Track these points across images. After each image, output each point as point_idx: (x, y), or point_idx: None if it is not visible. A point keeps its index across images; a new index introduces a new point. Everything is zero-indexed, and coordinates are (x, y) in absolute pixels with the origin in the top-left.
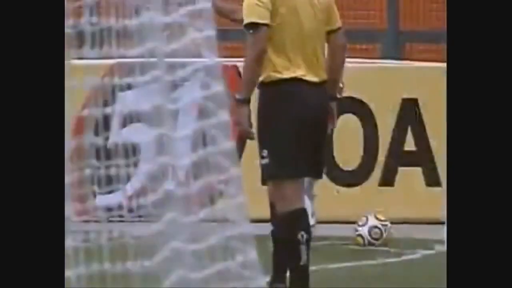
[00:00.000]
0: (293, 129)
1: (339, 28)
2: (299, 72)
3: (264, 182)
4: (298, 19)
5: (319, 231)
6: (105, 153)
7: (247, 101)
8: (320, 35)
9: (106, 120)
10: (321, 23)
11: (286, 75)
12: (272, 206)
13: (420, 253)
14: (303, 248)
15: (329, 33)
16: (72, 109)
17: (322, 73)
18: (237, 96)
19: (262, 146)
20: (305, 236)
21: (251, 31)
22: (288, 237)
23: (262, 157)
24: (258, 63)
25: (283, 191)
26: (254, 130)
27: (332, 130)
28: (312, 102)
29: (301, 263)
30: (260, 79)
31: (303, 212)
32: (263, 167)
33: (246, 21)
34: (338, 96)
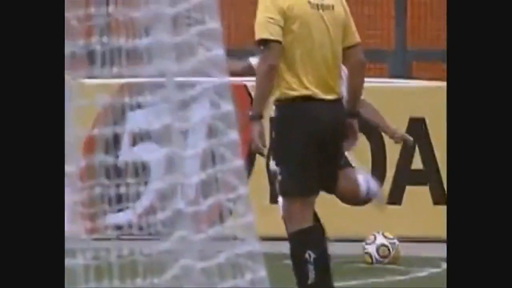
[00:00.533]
0: (304, 147)
1: (356, 44)
2: (312, 90)
3: (273, 200)
4: (310, 36)
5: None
6: (115, 172)
7: (259, 117)
8: (334, 52)
9: (117, 139)
10: (336, 39)
11: (299, 92)
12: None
13: (427, 271)
14: (310, 267)
15: (347, 49)
16: (83, 128)
17: (336, 91)
18: (250, 113)
19: (276, 163)
20: (312, 255)
21: (262, 48)
22: (296, 256)
23: (278, 174)
24: (269, 78)
25: (292, 210)
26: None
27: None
28: (324, 120)
29: (309, 282)
30: (276, 96)
31: (310, 231)
32: (277, 184)
33: (257, 37)
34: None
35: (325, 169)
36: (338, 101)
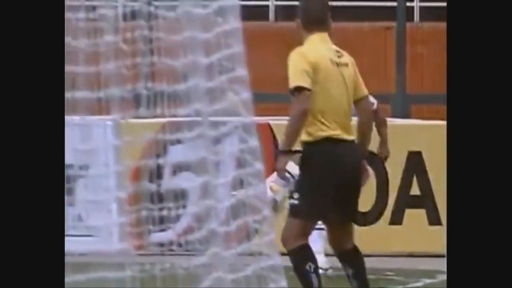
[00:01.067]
0: (323, 181)
1: (365, 96)
2: (335, 131)
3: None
4: (332, 87)
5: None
6: (158, 197)
7: (287, 152)
8: (349, 101)
9: (159, 169)
10: (350, 90)
11: (325, 133)
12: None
13: (423, 281)
14: (313, 276)
15: (358, 100)
16: (131, 160)
17: (352, 132)
18: (280, 147)
19: (296, 190)
20: (312, 266)
21: (296, 93)
22: (298, 268)
23: (293, 198)
24: (301, 120)
25: (296, 228)
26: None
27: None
28: (345, 158)
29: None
30: (304, 138)
31: (307, 246)
32: (291, 206)
33: (293, 84)
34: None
35: (345, 201)
36: (354, 142)
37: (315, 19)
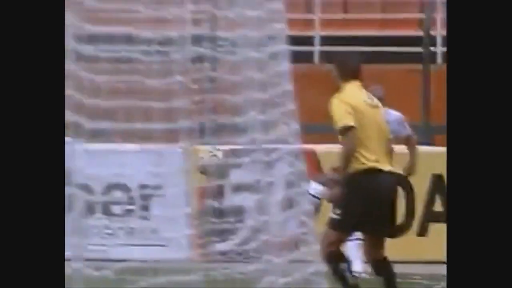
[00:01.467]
0: (362, 203)
1: (389, 139)
2: (375, 163)
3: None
4: (369, 125)
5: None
6: (220, 213)
7: (336, 182)
8: (384, 137)
9: (221, 189)
10: (382, 128)
11: (366, 165)
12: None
13: (444, 284)
14: (347, 274)
15: None
16: (197, 181)
17: (390, 163)
18: (331, 176)
19: (336, 206)
20: (344, 265)
21: (344, 132)
22: (333, 270)
23: (334, 213)
24: (350, 156)
25: (333, 238)
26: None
27: None
28: (382, 185)
29: (350, 283)
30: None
31: (338, 251)
32: (332, 220)
33: (340, 124)
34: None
35: (380, 221)
36: (392, 171)
37: (351, 72)
